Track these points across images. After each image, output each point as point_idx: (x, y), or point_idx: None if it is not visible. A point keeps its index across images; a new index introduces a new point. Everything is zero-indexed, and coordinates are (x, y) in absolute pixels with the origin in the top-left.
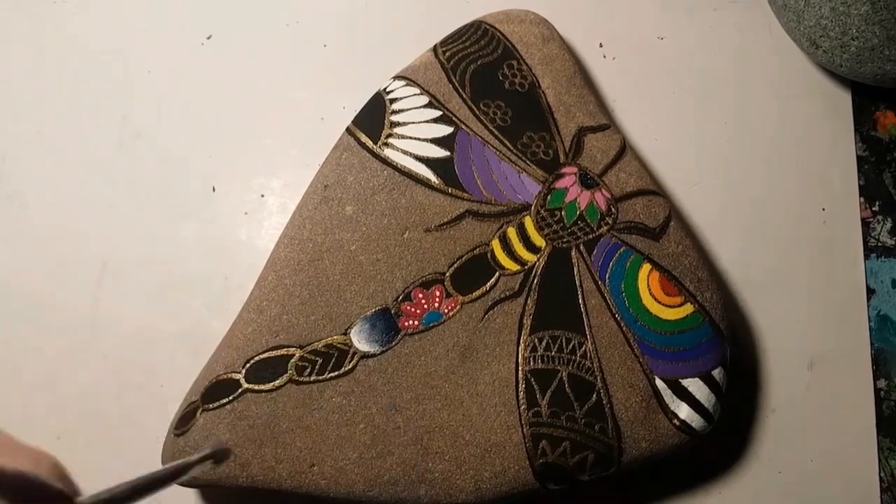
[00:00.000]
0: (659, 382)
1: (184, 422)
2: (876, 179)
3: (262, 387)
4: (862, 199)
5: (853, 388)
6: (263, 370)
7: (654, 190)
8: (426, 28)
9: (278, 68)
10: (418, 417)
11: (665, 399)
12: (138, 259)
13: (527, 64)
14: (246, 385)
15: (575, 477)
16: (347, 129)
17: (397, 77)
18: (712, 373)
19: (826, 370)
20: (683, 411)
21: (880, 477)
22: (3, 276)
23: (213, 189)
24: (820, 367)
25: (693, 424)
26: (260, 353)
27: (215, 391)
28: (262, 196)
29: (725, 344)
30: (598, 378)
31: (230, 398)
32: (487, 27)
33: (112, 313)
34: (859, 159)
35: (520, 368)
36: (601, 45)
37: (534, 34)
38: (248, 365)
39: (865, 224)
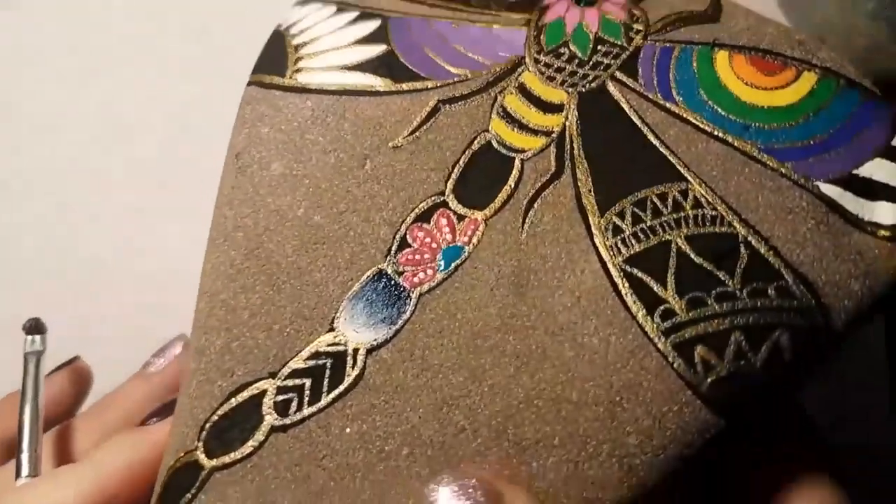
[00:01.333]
0: (827, 188)
1: None
2: None
3: (234, 456)
4: None
5: None
6: (228, 430)
7: None
8: None
9: None
10: (488, 402)
11: (848, 208)
12: (137, 259)
13: None
14: (210, 463)
15: (774, 379)
16: (249, 82)
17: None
18: (892, 143)
19: None
20: (885, 211)
21: None
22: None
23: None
24: None
25: None
26: (215, 410)
27: (172, 490)
28: None
29: (885, 102)
30: (736, 223)
31: (193, 492)
32: None
33: (109, 314)
34: None
35: (609, 266)
36: None
37: None
38: (204, 432)
39: None
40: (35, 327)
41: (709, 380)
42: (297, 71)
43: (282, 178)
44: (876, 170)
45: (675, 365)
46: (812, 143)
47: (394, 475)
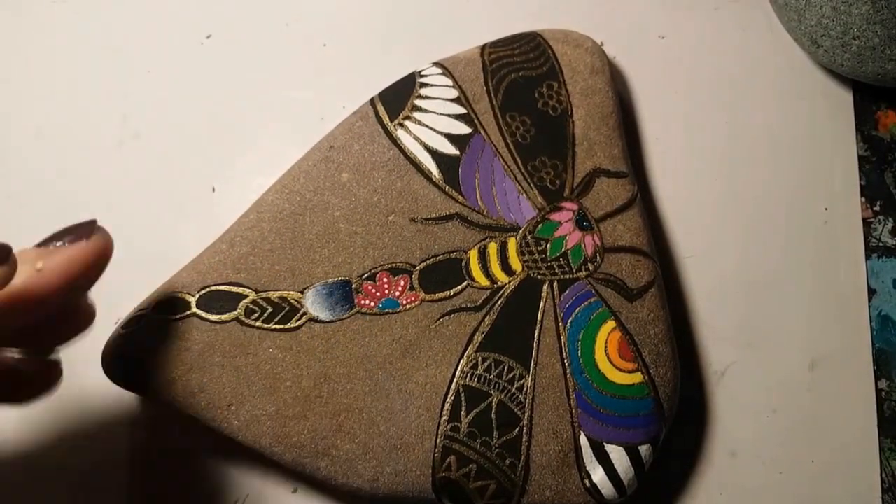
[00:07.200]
0: (583, 439)
1: (132, 322)
2: (877, 179)
3: (209, 316)
4: (863, 199)
5: (854, 389)
6: (215, 301)
7: (647, 252)
8: (426, 29)
9: (278, 68)
10: (343, 394)
11: (584, 457)
12: (138, 259)
13: (567, 90)
14: (194, 309)
15: (471, 501)
16: (371, 100)
17: (436, 63)
18: (639, 447)
19: (827, 371)
20: (598, 475)
21: (881, 478)
22: None
23: (213, 189)
24: (821, 368)
25: (603, 491)
26: (217, 284)
27: (166, 305)
28: None
29: (662, 424)
30: (526, 415)
31: (177, 316)
32: (541, 42)
33: (111, 315)
34: (860, 159)
35: (455, 380)
36: (602, 44)
37: (584, 62)
38: (202, 291)
39: (867, 224)
40: None
41: (443, 474)
42: (401, 124)
43: (341, 185)
44: (614, 452)
45: (435, 454)
46: (601, 411)
47: (273, 388)
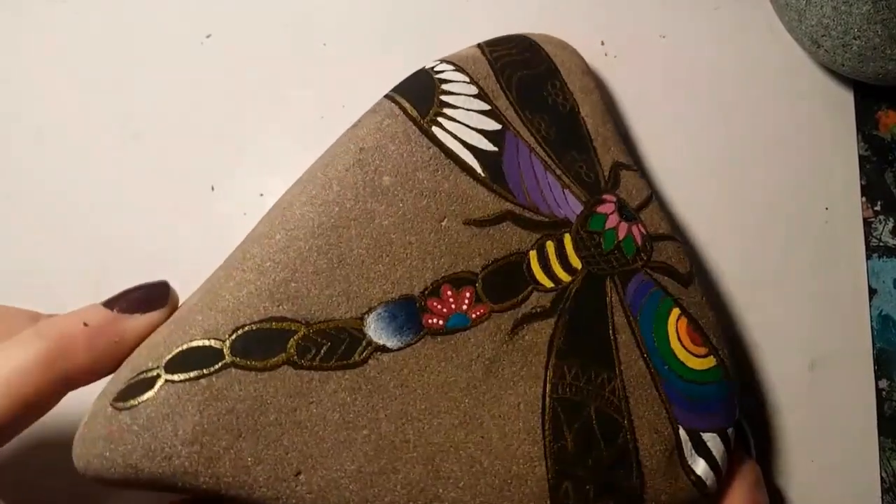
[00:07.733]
0: (683, 433)
1: (132, 392)
2: (878, 179)
3: (252, 363)
4: (864, 199)
5: (855, 389)
6: (255, 343)
7: (679, 239)
8: (426, 29)
9: (278, 67)
10: (432, 432)
11: (685, 452)
12: (137, 259)
13: (568, 88)
14: (231, 358)
15: None
16: (389, 97)
17: (444, 60)
18: (727, 430)
19: (827, 371)
20: (700, 467)
21: (881, 477)
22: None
23: (212, 188)
24: (821, 368)
25: (707, 482)
26: (255, 322)
27: (186, 359)
28: (262, 195)
29: (737, 405)
30: (626, 419)
31: (207, 371)
32: (533, 42)
33: None
34: (861, 159)
35: (547, 395)
36: (602, 44)
37: (574, 62)
38: (236, 334)
39: (867, 224)
40: None
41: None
42: (434, 120)
43: (384, 191)
44: (711, 440)
45: (550, 482)
46: (690, 401)
47: (350, 441)
